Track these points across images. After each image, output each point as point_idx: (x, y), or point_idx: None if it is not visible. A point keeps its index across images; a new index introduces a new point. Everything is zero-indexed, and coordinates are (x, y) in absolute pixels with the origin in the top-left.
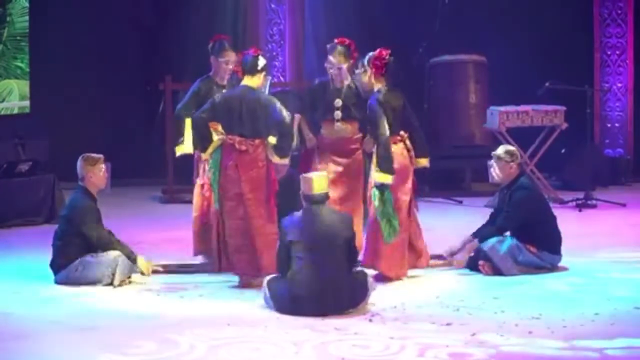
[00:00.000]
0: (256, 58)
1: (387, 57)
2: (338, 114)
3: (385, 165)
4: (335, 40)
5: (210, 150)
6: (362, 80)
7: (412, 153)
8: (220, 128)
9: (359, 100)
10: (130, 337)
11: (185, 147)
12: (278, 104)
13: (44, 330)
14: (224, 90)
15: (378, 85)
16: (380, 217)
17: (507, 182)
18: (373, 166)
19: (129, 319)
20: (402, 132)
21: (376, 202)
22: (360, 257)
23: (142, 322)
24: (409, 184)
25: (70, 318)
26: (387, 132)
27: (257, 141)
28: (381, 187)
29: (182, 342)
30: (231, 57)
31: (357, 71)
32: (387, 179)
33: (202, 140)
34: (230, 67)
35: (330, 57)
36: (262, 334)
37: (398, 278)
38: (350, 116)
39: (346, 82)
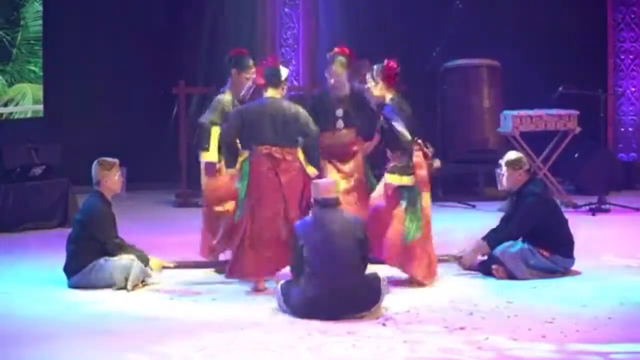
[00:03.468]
0: (278, 70)
1: (396, 68)
2: (341, 123)
3: (404, 169)
4: (336, 50)
5: (238, 165)
6: (374, 93)
7: (429, 160)
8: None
9: (358, 107)
10: (136, 342)
11: (211, 154)
12: (305, 115)
13: (57, 333)
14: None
15: (389, 95)
16: (407, 216)
17: (516, 188)
18: (389, 172)
19: (140, 323)
20: (418, 140)
21: (404, 203)
22: (382, 256)
23: (153, 326)
24: (428, 192)
25: (82, 322)
26: (409, 137)
27: (292, 149)
28: (409, 188)
29: (175, 355)
30: (253, 73)
31: (367, 85)
32: (404, 180)
33: (231, 154)
34: (250, 83)
35: (332, 67)
36: (273, 338)
37: (425, 281)
38: (350, 123)
39: (345, 90)
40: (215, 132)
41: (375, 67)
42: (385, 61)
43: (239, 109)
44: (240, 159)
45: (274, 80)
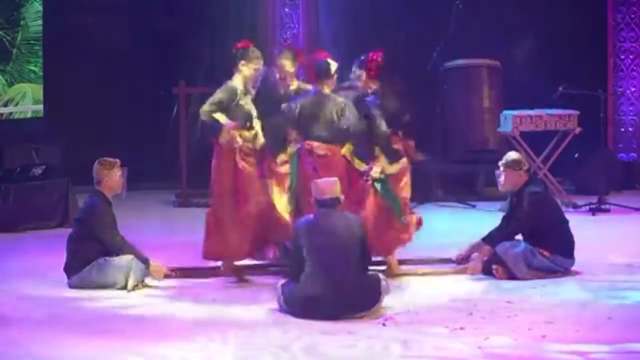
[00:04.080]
0: (328, 63)
1: (380, 60)
2: None
3: (393, 157)
4: (284, 44)
5: (285, 157)
6: (358, 84)
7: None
8: (294, 136)
9: None
10: (135, 343)
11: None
12: (353, 112)
13: (57, 333)
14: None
15: (373, 87)
16: (388, 202)
17: (516, 188)
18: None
19: (139, 323)
20: (399, 132)
21: (380, 190)
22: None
23: (152, 326)
24: (404, 181)
25: (82, 322)
26: (385, 128)
27: (335, 145)
28: (380, 180)
29: (173, 356)
30: (261, 65)
31: (351, 76)
32: (396, 168)
33: (278, 144)
34: (259, 75)
35: (280, 61)
36: (272, 338)
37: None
38: None
39: (291, 86)
40: (220, 117)
41: (361, 57)
42: (370, 53)
43: (296, 102)
44: (289, 151)
45: (324, 73)
